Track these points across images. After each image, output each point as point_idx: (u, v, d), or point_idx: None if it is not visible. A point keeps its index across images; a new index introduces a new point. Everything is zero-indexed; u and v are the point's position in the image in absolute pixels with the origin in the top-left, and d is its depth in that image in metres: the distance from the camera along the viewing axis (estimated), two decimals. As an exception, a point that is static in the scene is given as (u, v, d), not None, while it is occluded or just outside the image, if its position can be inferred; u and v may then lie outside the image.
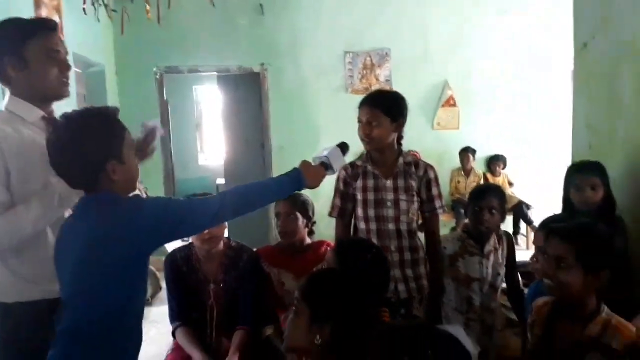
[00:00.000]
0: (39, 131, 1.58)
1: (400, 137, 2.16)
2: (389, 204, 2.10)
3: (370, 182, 2.13)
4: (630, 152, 2.41)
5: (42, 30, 1.62)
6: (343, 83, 5.58)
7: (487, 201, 2.29)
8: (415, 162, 2.16)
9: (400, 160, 2.14)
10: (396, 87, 5.50)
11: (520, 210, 5.50)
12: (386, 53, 5.57)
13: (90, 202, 1.35)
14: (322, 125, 5.58)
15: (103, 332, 1.29)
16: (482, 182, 5.46)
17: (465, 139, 5.72)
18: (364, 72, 5.57)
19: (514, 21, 5.60)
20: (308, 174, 1.55)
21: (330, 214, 2.24)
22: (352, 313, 1.30)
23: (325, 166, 1.63)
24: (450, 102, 5.74)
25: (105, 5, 4.53)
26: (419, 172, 2.14)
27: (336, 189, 2.22)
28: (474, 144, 5.67)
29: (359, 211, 2.15)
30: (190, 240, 2.37)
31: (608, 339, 1.45)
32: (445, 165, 5.51)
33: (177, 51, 5.35)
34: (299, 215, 2.33)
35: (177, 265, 2.33)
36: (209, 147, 8.65)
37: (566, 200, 2.34)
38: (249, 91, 5.64)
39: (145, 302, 1.47)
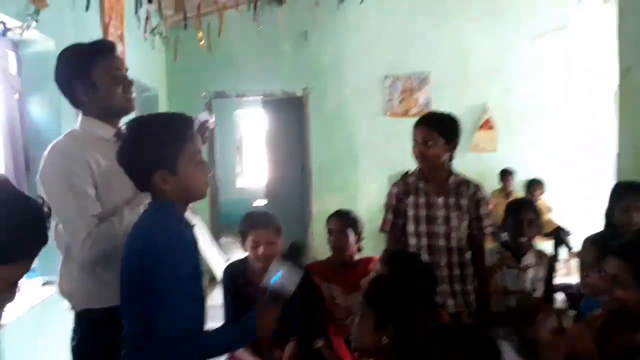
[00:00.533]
0: (113, 148, 1.72)
1: (451, 158, 2.26)
2: (440, 221, 2.19)
3: (422, 199, 2.23)
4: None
5: (104, 52, 1.70)
6: (382, 106, 5.72)
7: (525, 214, 2.38)
8: (465, 182, 2.26)
9: (452, 179, 2.24)
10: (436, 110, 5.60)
11: (559, 236, 5.45)
12: (426, 77, 5.69)
13: (147, 209, 1.40)
14: (361, 147, 5.73)
15: (150, 341, 1.30)
16: (522, 205, 5.45)
17: (502, 161, 5.74)
18: (404, 95, 5.69)
19: (551, 45, 5.64)
20: (261, 326, 1.44)
21: (381, 229, 2.33)
22: (413, 315, 1.40)
23: (277, 296, 1.47)
24: (488, 125, 5.79)
25: (160, 34, 4.85)
26: (469, 191, 2.24)
27: (388, 205, 2.31)
28: (512, 166, 5.69)
29: (410, 227, 2.24)
30: (247, 254, 2.49)
31: None
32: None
33: (225, 77, 5.61)
34: (350, 231, 2.44)
35: (234, 277, 2.45)
36: (248, 170, 8.89)
37: (609, 219, 2.38)
38: (291, 114, 5.84)
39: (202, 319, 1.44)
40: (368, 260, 2.57)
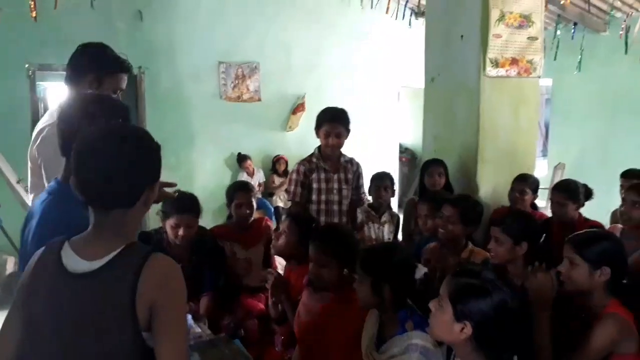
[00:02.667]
0: None
1: None
2: (335, 191, 2.95)
3: (322, 175, 2.94)
4: (462, 154, 3.62)
5: (124, 72, 2.09)
6: (217, 90, 6.18)
7: (384, 182, 3.29)
8: (351, 161, 3.05)
9: (342, 159, 3.00)
10: (264, 98, 6.36)
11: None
12: (255, 66, 6.33)
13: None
14: (197, 128, 6.12)
15: None
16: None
17: (316, 142, 6.73)
18: (236, 82, 6.25)
19: (359, 47, 6.85)
20: None
21: (292, 199, 2.98)
22: None
23: None
24: (300, 109, 6.68)
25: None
26: (353, 168, 3.06)
27: (296, 180, 2.94)
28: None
29: (314, 196, 2.93)
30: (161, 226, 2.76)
31: (473, 259, 2.51)
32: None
33: (53, 50, 5.30)
34: (253, 201, 3.01)
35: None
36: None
37: (421, 183, 3.43)
38: (124, 93, 5.82)
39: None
40: (259, 220, 3.18)
